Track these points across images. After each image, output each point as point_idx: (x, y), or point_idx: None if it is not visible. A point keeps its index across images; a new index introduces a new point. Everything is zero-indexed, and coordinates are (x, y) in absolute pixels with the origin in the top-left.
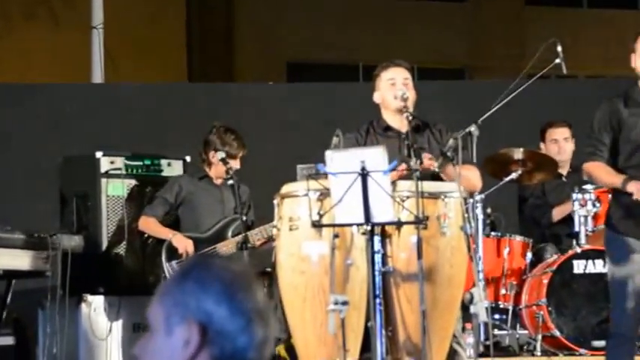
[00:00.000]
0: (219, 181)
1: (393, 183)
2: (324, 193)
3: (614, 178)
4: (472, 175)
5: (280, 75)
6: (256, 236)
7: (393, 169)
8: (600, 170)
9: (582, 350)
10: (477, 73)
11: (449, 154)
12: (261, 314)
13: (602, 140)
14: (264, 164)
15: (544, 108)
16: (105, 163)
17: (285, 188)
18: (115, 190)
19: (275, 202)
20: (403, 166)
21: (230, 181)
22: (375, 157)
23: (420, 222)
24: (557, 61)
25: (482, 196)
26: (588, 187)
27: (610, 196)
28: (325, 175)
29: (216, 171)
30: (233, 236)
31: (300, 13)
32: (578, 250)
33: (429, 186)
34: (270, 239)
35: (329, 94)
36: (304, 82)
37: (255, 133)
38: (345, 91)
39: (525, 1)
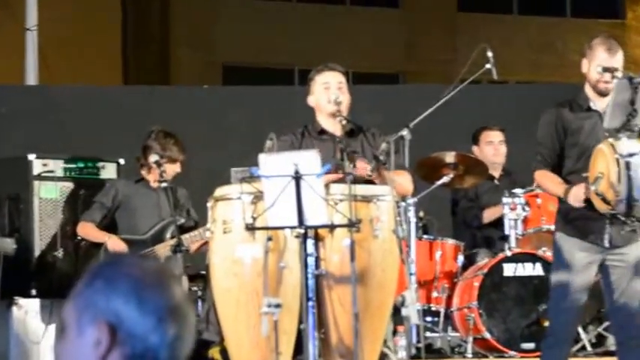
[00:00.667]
0: (156, 185)
1: (327, 186)
2: (258, 196)
3: (558, 189)
4: (404, 180)
5: (216, 78)
6: (192, 239)
7: (327, 173)
8: (547, 179)
9: (512, 352)
10: (410, 77)
11: (381, 157)
12: (174, 312)
13: (548, 147)
14: (200, 167)
15: (476, 113)
16: (37, 166)
17: (219, 191)
18: (47, 192)
19: (209, 205)
20: (338, 175)
21: (164, 184)
22: (309, 160)
23: (353, 225)
24: (488, 66)
25: (415, 199)
26: (518, 191)
27: (539, 200)
28: (259, 179)
29: (155, 175)
30: (171, 238)
31: (236, 17)
32: (509, 253)
33: (361, 189)
34: (206, 242)
35: (264, 97)
36: (240, 85)
37: (191, 135)
38: (280, 94)
39: (458, 7)
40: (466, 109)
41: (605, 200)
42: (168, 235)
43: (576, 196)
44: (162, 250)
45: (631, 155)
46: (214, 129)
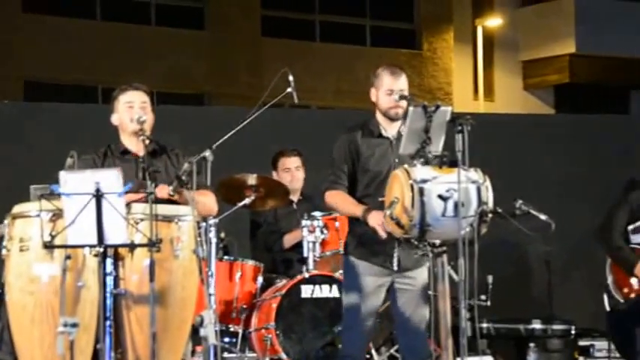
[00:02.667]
0: None
1: (128, 205)
2: (57, 214)
3: (355, 209)
4: (208, 200)
5: (17, 93)
6: None
7: (128, 192)
8: (341, 199)
9: None
10: (215, 99)
11: (184, 177)
12: None
13: (343, 169)
14: None
15: (279, 136)
16: None
17: (17, 208)
18: None
19: (6, 222)
20: (140, 194)
21: None
22: (110, 179)
23: (154, 245)
24: (289, 90)
25: (216, 220)
26: (317, 214)
27: (337, 223)
28: (59, 196)
29: None
30: None
31: (40, 32)
32: (306, 275)
33: (163, 209)
34: None
35: (67, 114)
36: (42, 101)
37: None
38: (83, 112)
39: (262, 31)
40: (268, 131)
41: (399, 224)
42: None
43: (378, 220)
44: None
45: (424, 181)
46: (14, 145)
